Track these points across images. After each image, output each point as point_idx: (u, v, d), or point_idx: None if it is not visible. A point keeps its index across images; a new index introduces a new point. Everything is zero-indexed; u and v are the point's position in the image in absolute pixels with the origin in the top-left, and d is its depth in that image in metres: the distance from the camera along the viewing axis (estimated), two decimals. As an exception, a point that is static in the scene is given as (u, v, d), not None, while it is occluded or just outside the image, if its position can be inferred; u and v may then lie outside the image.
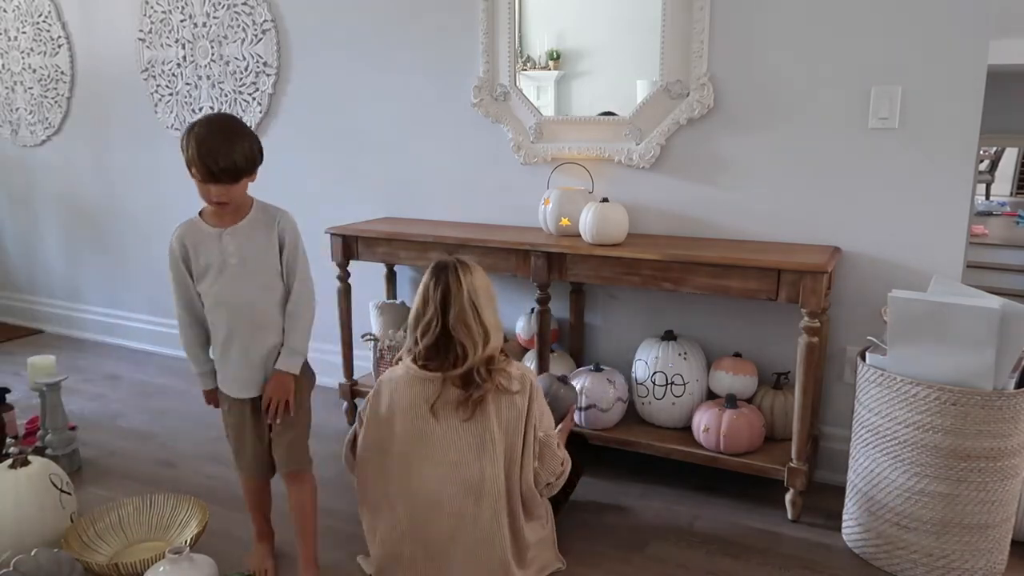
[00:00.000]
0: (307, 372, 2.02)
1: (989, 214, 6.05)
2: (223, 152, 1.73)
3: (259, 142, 1.85)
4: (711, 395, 2.50)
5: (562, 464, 1.95)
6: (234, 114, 2.42)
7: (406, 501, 1.88)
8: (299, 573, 1.99)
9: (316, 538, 2.02)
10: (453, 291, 1.86)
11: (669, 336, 2.53)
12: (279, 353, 1.91)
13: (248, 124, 3.35)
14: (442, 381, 1.86)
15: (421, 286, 1.91)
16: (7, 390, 2.78)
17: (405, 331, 2.81)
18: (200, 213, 1.89)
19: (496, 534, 1.86)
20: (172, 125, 3.60)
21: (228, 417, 1.99)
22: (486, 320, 1.87)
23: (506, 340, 1.98)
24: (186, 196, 3.67)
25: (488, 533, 1.85)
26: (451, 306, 1.85)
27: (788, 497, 2.27)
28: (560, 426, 2.17)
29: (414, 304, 1.92)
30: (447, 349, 1.86)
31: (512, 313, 2.86)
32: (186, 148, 1.74)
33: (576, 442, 2.36)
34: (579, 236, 2.45)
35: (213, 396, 2.00)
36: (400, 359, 1.97)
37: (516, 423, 1.88)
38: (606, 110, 2.65)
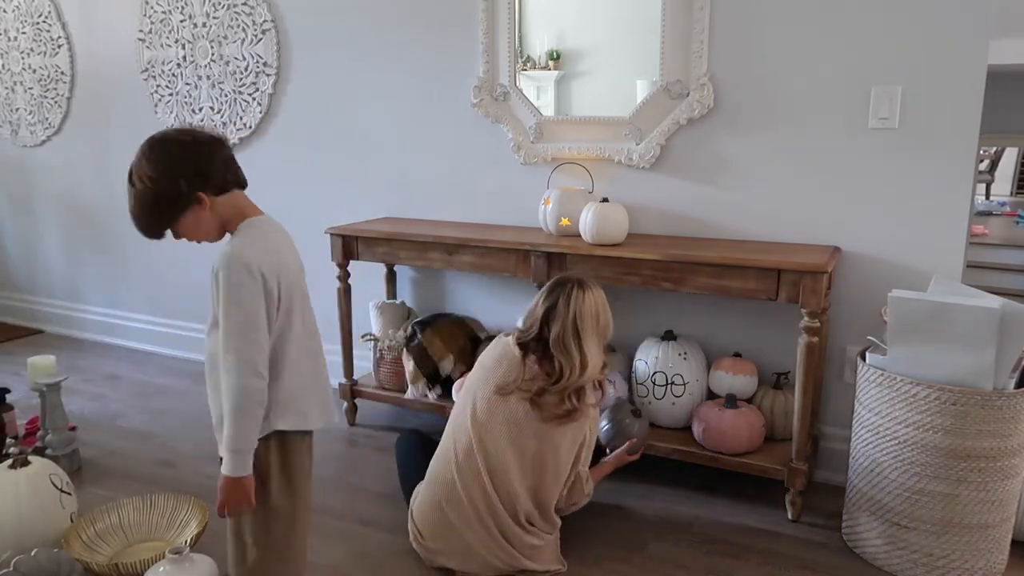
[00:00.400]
0: (267, 478, 1.56)
1: (989, 214, 6.05)
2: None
3: (140, 184, 1.60)
4: (711, 395, 2.50)
5: (585, 497, 2.08)
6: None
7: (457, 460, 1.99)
8: None
9: None
10: (560, 310, 1.93)
11: (669, 336, 2.53)
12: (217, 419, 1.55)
13: (247, 124, 3.37)
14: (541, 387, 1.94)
15: (537, 296, 2.01)
16: (7, 390, 2.77)
17: (405, 331, 2.83)
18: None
19: (499, 534, 1.95)
20: (172, 125, 3.59)
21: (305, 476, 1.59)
22: (585, 347, 1.93)
23: (604, 367, 2.02)
24: (186, 196, 3.69)
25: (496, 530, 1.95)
26: (552, 325, 1.93)
27: (788, 497, 2.27)
28: (607, 458, 2.27)
29: (526, 314, 2.03)
30: (547, 360, 1.95)
31: (512, 313, 2.86)
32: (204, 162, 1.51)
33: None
34: (579, 236, 2.45)
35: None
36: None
37: (570, 447, 1.98)
38: (598, 111, 2.66)
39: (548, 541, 2.02)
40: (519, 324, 2.04)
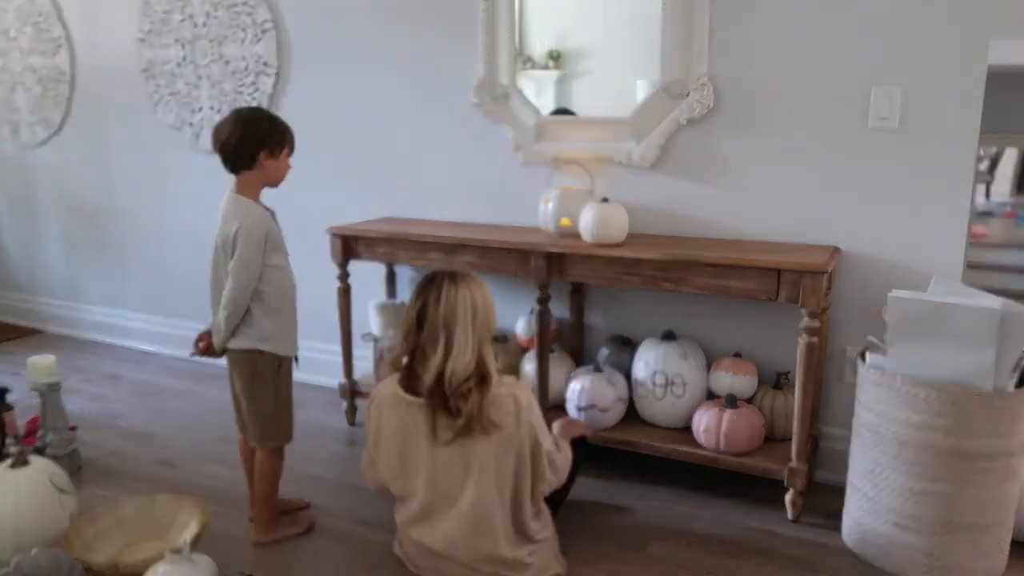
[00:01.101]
0: (251, 367, 2.16)
1: (989, 214, 6.04)
2: (217, 142, 2.10)
3: (242, 125, 2.08)
4: (711, 395, 2.50)
5: (568, 460, 2.04)
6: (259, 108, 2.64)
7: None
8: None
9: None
10: (430, 307, 1.82)
11: (669, 336, 2.53)
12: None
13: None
14: (427, 406, 1.85)
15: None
16: (7, 390, 2.77)
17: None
18: (252, 196, 2.08)
19: (490, 547, 1.89)
20: (172, 125, 3.59)
21: (287, 383, 2.16)
22: (455, 337, 1.79)
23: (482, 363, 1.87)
24: (186, 195, 3.69)
25: (482, 550, 1.89)
26: (425, 322, 1.82)
27: (788, 497, 2.27)
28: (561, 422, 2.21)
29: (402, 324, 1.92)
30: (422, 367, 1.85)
31: (512, 313, 2.86)
32: (284, 129, 2.08)
33: (574, 440, 2.35)
34: (579, 236, 2.45)
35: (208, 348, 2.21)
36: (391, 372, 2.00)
37: (518, 448, 1.87)
38: (598, 111, 2.66)
39: (541, 545, 1.98)
40: (392, 343, 2.03)
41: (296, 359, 2.18)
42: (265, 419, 2.12)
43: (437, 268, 1.94)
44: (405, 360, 1.91)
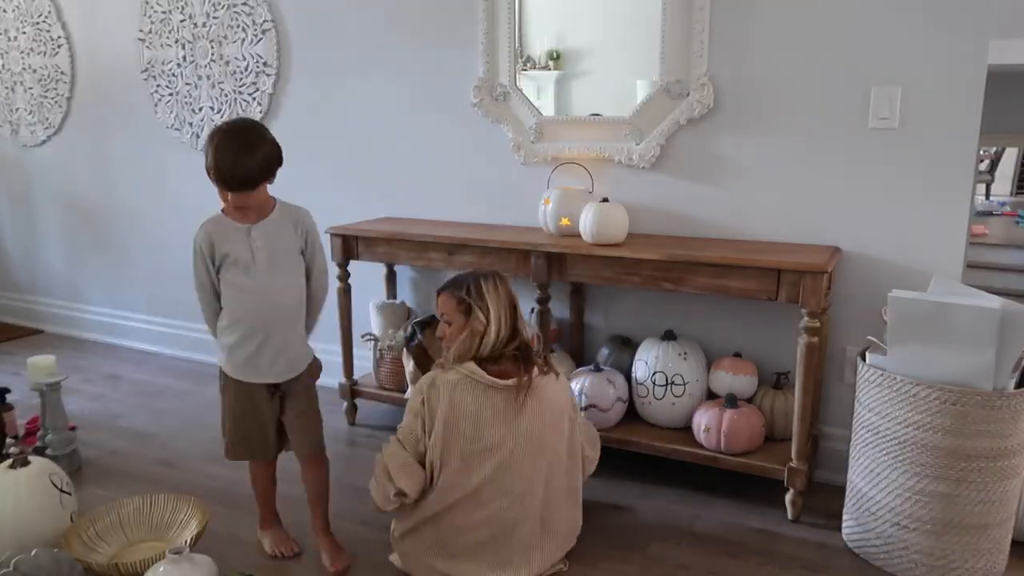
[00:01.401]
0: (317, 364, 2.14)
1: (989, 214, 6.04)
2: (241, 164, 1.83)
3: (277, 148, 1.92)
4: (711, 395, 2.50)
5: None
6: (254, 119, 2.51)
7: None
8: (318, 544, 2.12)
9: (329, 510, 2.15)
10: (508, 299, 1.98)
11: (669, 336, 2.53)
12: (298, 340, 2.04)
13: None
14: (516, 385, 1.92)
15: (483, 296, 1.93)
16: (7, 390, 2.78)
17: (405, 331, 2.82)
18: (223, 210, 1.96)
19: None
20: (172, 125, 3.60)
21: (237, 404, 2.03)
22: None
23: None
24: (186, 195, 3.69)
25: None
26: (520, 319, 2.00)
27: (788, 497, 2.27)
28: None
29: (491, 322, 1.92)
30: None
31: (512, 313, 2.86)
32: (207, 155, 1.84)
33: None
34: (579, 236, 2.45)
35: None
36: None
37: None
38: (598, 111, 2.66)
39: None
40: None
41: (272, 387, 2.03)
42: (321, 421, 2.13)
43: (468, 274, 2.02)
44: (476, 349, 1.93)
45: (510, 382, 1.90)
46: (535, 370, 1.95)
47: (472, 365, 1.89)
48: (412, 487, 1.89)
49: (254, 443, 2.07)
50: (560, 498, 2.00)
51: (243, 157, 1.83)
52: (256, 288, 1.94)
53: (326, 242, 2.86)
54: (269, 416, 2.05)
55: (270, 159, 1.89)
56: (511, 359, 1.93)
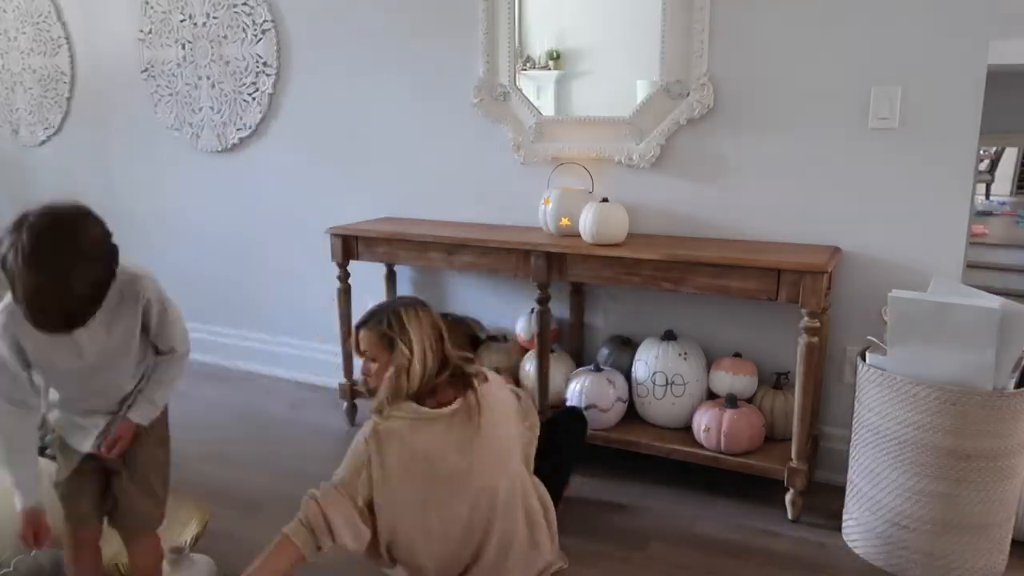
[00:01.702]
0: (164, 428, 1.87)
1: (989, 214, 6.04)
2: (58, 304, 1.34)
3: (109, 254, 1.42)
4: (711, 395, 2.50)
5: None
6: (72, 207, 1.44)
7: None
8: None
9: None
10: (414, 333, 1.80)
11: (669, 336, 2.53)
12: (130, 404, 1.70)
13: (247, 124, 3.36)
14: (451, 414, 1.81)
15: (412, 331, 1.79)
16: (7, 390, 2.76)
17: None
18: None
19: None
20: (172, 125, 3.59)
21: (60, 470, 1.71)
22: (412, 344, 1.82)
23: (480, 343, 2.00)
24: (186, 195, 3.69)
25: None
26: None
27: (788, 497, 2.27)
28: None
29: (415, 355, 1.78)
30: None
31: (512, 313, 2.86)
32: (9, 279, 1.31)
33: (574, 428, 2.35)
34: (579, 236, 2.45)
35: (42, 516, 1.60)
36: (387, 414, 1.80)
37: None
38: (598, 111, 2.65)
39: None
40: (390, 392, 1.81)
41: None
42: (152, 495, 1.83)
43: (378, 307, 1.88)
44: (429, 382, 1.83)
45: (454, 406, 1.79)
46: (476, 383, 1.83)
47: (411, 405, 1.76)
48: (356, 547, 1.73)
49: (70, 512, 1.75)
50: (532, 501, 1.93)
51: (56, 294, 1.32)
52: (77, 388, 1.62)
53: (326, 242, 2.88)
54: (85, 487, 1.75)
55: (102, 281, 1.39)
56: (448, 384, 1.81)
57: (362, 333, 1.83)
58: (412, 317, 1.80)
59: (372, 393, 1.83)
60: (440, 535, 1.80)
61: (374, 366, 1.82)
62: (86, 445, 1.68)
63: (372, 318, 1.84)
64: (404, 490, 1.75)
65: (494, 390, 1.89)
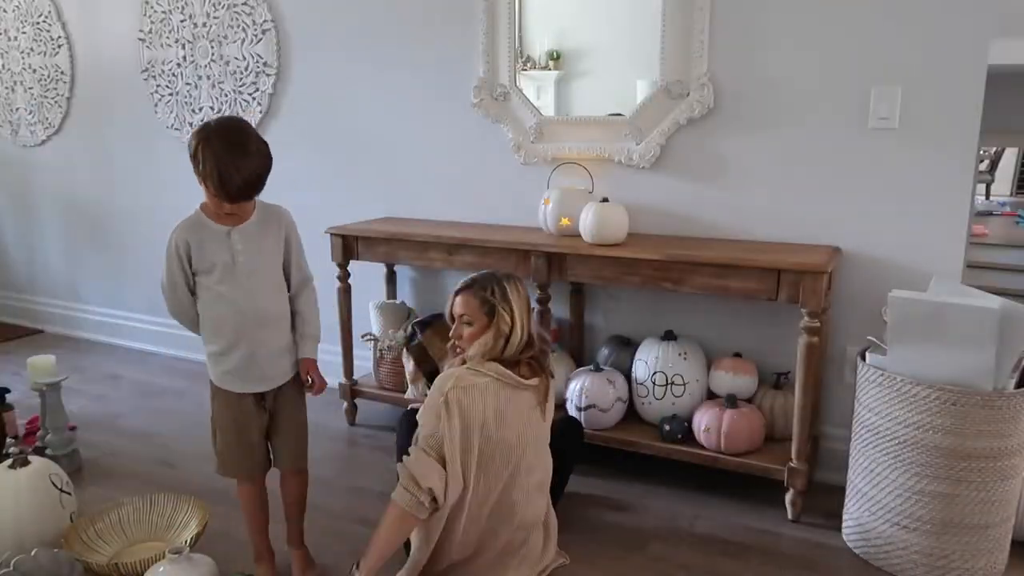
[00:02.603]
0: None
1: (989, 214, 6.05)
2: (244, 172, 1.70)
3: (269, 151, 1.79)
4: (711, 395, 2.50)
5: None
6: (239, 116, 2.15)
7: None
8: (291, 556, 2.06)
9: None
10: (520, 304, 1.91)
11: (669, 336, 2.53)
12: (293, 345, 1.95)
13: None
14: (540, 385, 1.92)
15: (509, 299, 1.87)
16: (7, 390, 2.78)
17: (405, 331, 2.83)
18: (202, 207, 1.85)
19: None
20: (172, 125, 3.60)
21: (226, 413, 1.91)
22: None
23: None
24: (186, 196, 3.68)
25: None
26: (530, 323, 1.93)
27: (788, 497, 2.27)
28: None
29: (516, 324, 1.87)
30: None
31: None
32: (202, 162, 1.69)
33: (572, 434, 2.35)
34: (579, 236, 2.45)
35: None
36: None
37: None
38: (598, 111, 2.65)
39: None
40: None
41: (259, 398, 1.92)
42: (307, 434, 2.05)
43: (483, 275, 1.96)
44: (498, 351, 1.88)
45: (534, 382, 1.88)
46: (552, 370, 1.97)
47: (497, 366, 1.83)
48: (440, 490, 1.76)
49: (244, 456, 1.93)
50: (548, 499, 2.02)
51: (245, 163, 1.69)
52: (237, 296, 1.82)
53: (326, 242, 2.87)
54: (257, 428, 1.93)
55: (269, 160, 1.77)
56: (526, 364, 1.89)
57: (461, 297, 1.91)
58: (513, 289, 1.90)
59: (457, 354, 1.93)
60: (481, 498, 1.84)
61: (467, 330, 1.89)
62: (253, 387, 1.89)
63: (475, 284, 1.92)
64: (470, 440, 1.80)
65: (553, 386, 1.99)
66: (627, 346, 2.66)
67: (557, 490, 2.18)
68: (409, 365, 2.74)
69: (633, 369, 2.55)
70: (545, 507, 1.98)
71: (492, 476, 1.83)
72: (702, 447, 2.37)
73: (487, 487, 1.83)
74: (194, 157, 1.71)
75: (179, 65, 3.50)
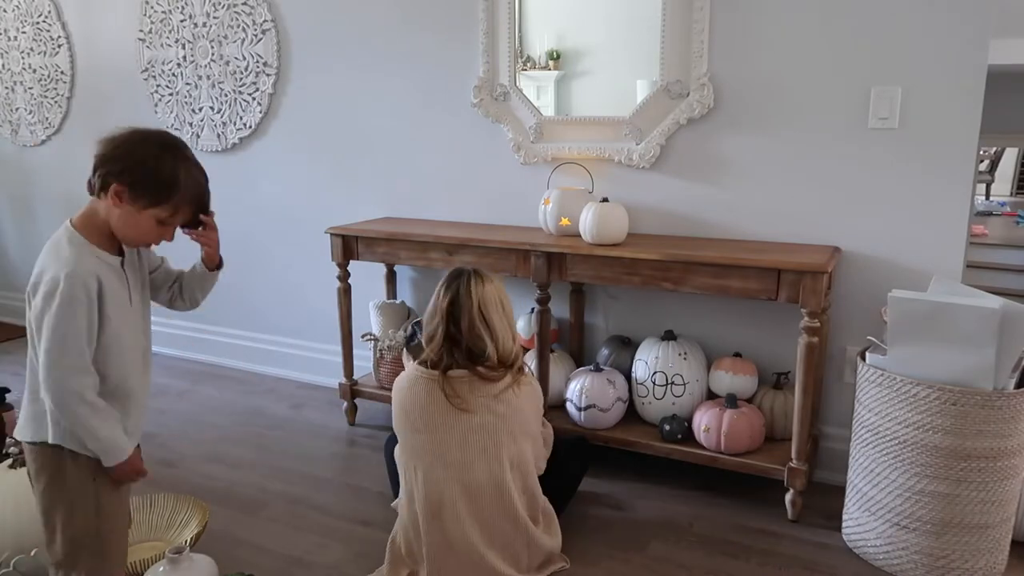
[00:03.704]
0: None
1: (989, 214, 6.05)
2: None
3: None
4: (711, 395, 2.50)
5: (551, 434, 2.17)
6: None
7: (419, 499, 1.93)
8: None
9: None
10: (462, 300, 1.93)
11: (669, 336, 2.53)
12: None
13: (247, 124, 3.38)
14: (443, 378, 1.93)
15: (434, 294, 1.98)
16: (7, 390, 2.77)
17: (405, 331, 2.83)
18: (80, 230, 1.48)
19: (510, 534, 1.93)
20: (172, 125, 3.59)
21: (109, 492, 1.51)
22: (495, 326, 1.94)
23: (521, 353, 2.05)
24: (186, 196, 3.69)
25: (503, 534, 1.93)
26: (461, 316, 1.92)
27: (788, 497, 2.27)
28: None
29: (427, 311, 1.99)
30: (451, 352, 1.94)
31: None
32: (182, 184, 1.46)
33: (576, 442, 2.36)
34: (579, 236, 2.45)
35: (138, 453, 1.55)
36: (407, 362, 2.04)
37: (522, 421, 1.97)
38: (598, 111, 2.65)
39: (554, 531, 2.05)
40: (418, 332, 2.05)
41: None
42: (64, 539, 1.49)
43: (458, 266, 2.04)
44: (427, 347, 1.98)
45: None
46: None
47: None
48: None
49: (123, 543, 1.59)
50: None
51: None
52: (135, 340, 1.55)
53: (326, 242, 2.88)
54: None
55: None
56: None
57: None
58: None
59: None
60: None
61: None
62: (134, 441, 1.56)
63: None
64: None
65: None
66: (627, 346, 2.66)
67: (561, 504, 2.20)
68: (409, 365, 2.74)
69: (633, 369, 2.55)
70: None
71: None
72: (702, 447, 2.37)
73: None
74: (169, 179, 1.47)
75: (179, 65, 3.50)
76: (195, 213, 1.52)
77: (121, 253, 1.52)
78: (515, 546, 1.93)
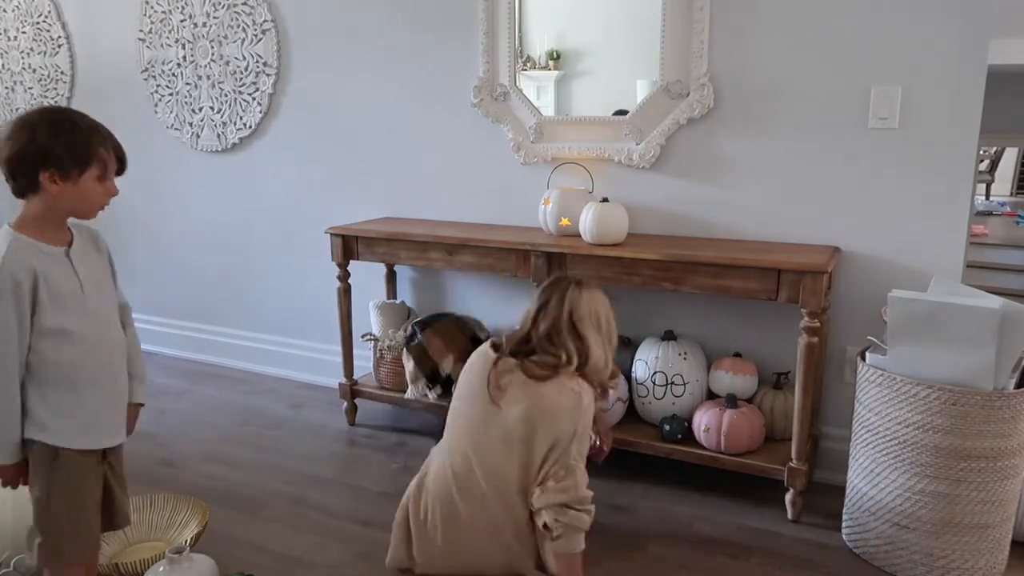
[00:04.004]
0: None
1: (989, 214, 6.05)
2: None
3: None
4: (711, 395, 2.50)
5: (576, 491, 1.86)
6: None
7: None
8: None
9: None
10: (551, 308, 1.92)
11: (669, 336, 2.53)
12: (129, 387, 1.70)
13: (247, 124, 3.37)
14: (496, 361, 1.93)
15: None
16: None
17: (405, 331, 2.83)
18: (16, 228, 1.49)
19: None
20: (172, 125, 3.59)
21: (68, 481, 1.55)
22: (588, 342, 1.90)
23: (614, 375, 2.03)
24: (186, 195, 3.70)
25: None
26: (541, 322, 1.91)
27: (788, 497, 2.27)
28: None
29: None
30: (519, 348, 1.94)
31: (512, 313, 2.86)
32: (93, 138, 1.50)
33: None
34: (579, 236, 2.45)
35: (23, 470, 1.56)
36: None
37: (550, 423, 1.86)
38: (619, 109, 2.64)
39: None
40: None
41: (100, 455, 1.61)
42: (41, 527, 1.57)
43: (560, 274, 2.07)
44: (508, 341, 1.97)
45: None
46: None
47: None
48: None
49: (91, 532, 1.60)
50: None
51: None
52: (84, 331, 1.53)
53: (326, 242, 2.88)
54: (97, 493, 1.62)
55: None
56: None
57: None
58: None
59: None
60: None
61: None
62: (103, 441, 1.61)
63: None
64: None
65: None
66: (627, 346, 2.66)
67: None
68: (409, 365, 2.74)
69: (633, 369, 2.55)
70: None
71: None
72: (702, 447, 2.37)
73: None
74: (89, 144, 1.50)
75: (179, 65, 3.50)
76: (119, 158, 1.58)
77: (69, 244, 1.56)
78: (505, 535, 1.90)
